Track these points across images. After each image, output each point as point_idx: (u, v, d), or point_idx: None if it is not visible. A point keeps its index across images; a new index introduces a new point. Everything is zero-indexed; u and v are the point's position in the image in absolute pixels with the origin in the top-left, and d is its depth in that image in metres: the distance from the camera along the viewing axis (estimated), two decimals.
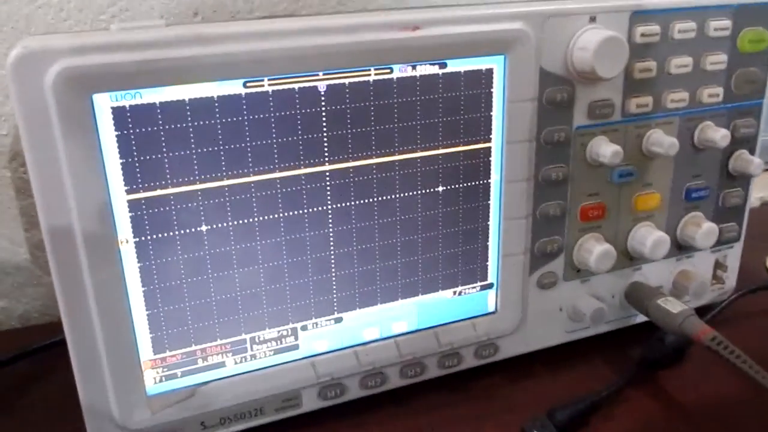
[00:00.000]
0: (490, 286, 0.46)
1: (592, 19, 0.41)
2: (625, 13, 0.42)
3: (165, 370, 0.39)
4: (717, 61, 0.45)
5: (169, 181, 0.36)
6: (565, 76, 0.42)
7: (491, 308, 0.46)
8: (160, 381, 0.39)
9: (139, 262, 0.36)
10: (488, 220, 0.44)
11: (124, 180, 0.35)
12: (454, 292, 0.45)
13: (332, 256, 0.41)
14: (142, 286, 0.37)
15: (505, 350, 0.47)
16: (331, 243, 0.40)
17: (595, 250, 0.45)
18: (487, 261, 0.45)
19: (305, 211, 0.39)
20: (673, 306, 0.46)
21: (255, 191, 0.38)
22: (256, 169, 0.37)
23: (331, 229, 0.40)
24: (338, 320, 0.42)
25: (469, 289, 0.45)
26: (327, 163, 0.39)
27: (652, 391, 0.46)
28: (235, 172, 0.37)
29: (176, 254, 0.37)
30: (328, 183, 0.39)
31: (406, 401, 0.45)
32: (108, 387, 0.37)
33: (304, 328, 0.42)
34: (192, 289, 0.38)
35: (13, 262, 0.56)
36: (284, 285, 0.40)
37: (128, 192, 0.35)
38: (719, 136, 0.46)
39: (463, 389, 0.46)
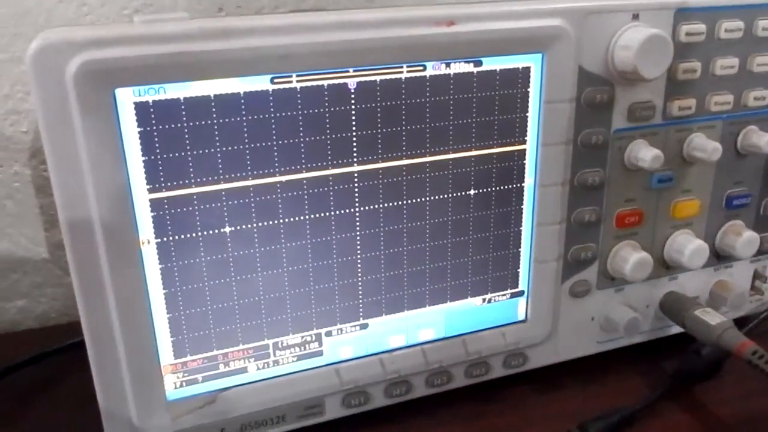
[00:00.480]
0: (521, 293, 0.44)
1: (635, 17, 0.39)
2: (670, 11, 0.40)
3: (186, 374, 0.38)
4: (765, 62, 0.43)
5: (193, 181, 0.34)
6: (604, 77, 0.40)
7: (521, 316, 0.45)
8: (181, 386, 0.38)
9: (160, 263, 0.35)
10: (521, 226, 0.42)
11: (146, 178, 0.34)
12: (484, 300, 0.43)
13: (359, 260, 0.39)
14: (164, 288, 0.35)
15: (534, 360, 0.45)
16: (358, 247, 0.39)
17: (631, 258, 0.43)
18: (518, 268, 0.43)
19: (332, 213, 0.38)
20: (712, 317, 0.44)
21: (281, 192, 0.36)
22: (282, 169, 0.36)
23: (358, 233, 0.39)
24: (364, 326, 0.41)
25: (498, 296, 0.44)
26: (356, 164, 0.37)
27: (687, 405, 0.45)
28: (260, 171, 0.35)
29: (199, 256, 0.36)
30: (356, 184, 0.38)
31: (431, 411, 0.44)
32: (127, 391, 0.36)
33: (328, 333, 0.40)
34: (214, 292, 0.37)
35: (32, 261, 0.55)
36: (309, 289, 0.39)
37: (150, 191, 0.34)
38: (764, 141, 0.44)
39: (491, 400, 0.45)
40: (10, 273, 0.55)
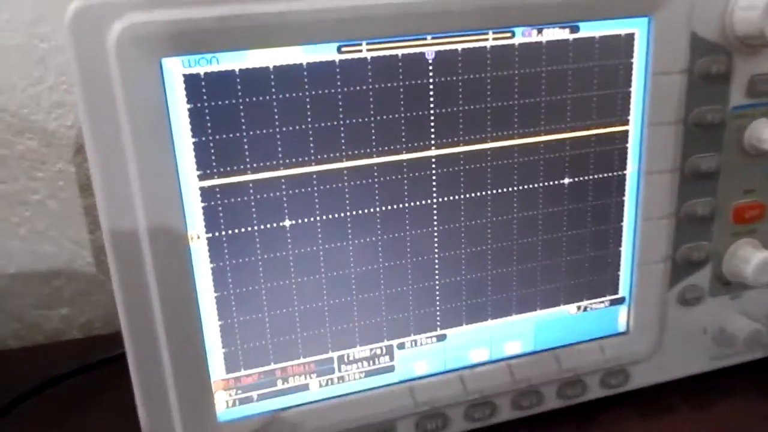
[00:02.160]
0: (622, 300, 0.38)
1: None
2: None
3: (239, 392, 0.33)
4: None
5: (249, 166, 0.30)
6: (721, 44, 0.35)
7: (622, 328, 0.39)
8: (234, 405, 0.33)
9: (211, 261, 0.31)
10: (622, 221, 0.37)
11: (196, 163, 0.29)
12: (579, 308, 0.38)
13: (436, 260, 0.34)
14: (215, 291, 0.31)
15: (637, 379, 0.39)
16: (436, 244, 0.34)
17: (754, 258, 0.37)
18: (618, 270, 0.38)
19: (406, 204, 0.33)
20: None
21: (348, 180, 0.31)
22: (350, 152, 0.31)
23: (435, 228, 0.34)
24: (441, 338, 0.36)
25: (596, 303, 0.38)
26: (433, 147, 0.32)
27: None
28: (325, 156, 0.31)
29: (255, 254, 0.31)
30: (434, 171, 0.33)
31: None
32: (173, 410, 0.31)
33: (401, 346, 0.35)
34: (272, 296, 0.32)
35: (75, 266, 0.52)
36: (379, 294, 0.34)
37: (201, 177, 0.29)
38: None
39: (587, 425, 0.39)
40: (52, 279, 0.52)
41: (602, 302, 0.38)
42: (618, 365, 0.38)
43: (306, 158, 0.31)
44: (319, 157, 0.31)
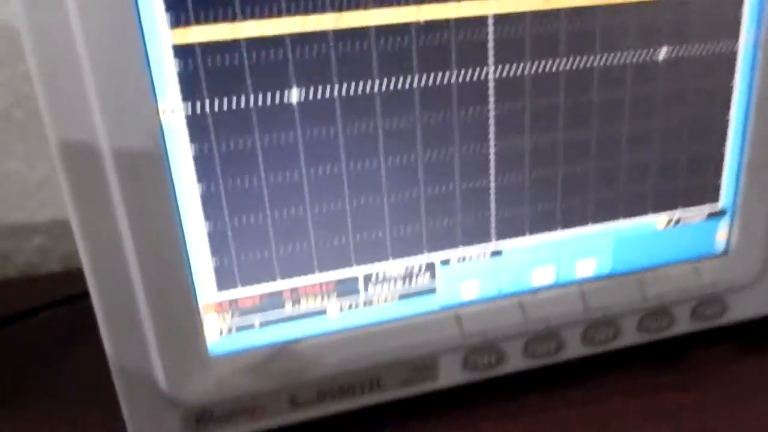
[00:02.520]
0: (722, 213, 0.30)
1: None
2: None
3: (236, 316, 0.26)
4: None
5: (239, 12, 0.22)
6: None
7: (721, 247, 0.31)
8: (228, 333, 0.26)
9: (192, 144, 0.23)
10: (729, 111, 0.29)
11: (166, 10, 0.21)
12: (669, 221, 0.30)
13: (491, 150, 0.26)
14: (199, 183, 0.24)
15: (736, 310, 0.32)
16: (491, 129, 0.26)
17: None
18: (720, 175, 0.30)
19: (453, 75, 0.25)
20: None
21: (376, 39, 0.23)
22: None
23: (491, 106, 0.26)
24: (496, 253, 0.28)
25: (690, 216, 0.30)
26: None
27: None
28: (345, 2, 0.23)
29: (251, 135, 0.23)
30: (490, 30, 0.25)
31: (585, 379, 0.31)
32: (150, 343, 0.24)
33: (445, 262, 0.28)
34: (276, 193, 0.24)
35: (49, 186, 0.45)
36: (416, 193, 0.26)
37: (174, 26, 0.22)
38: None
39: (672, 364, 0.32)
40: (23, 202, 0.45)
41: (698, 214, 0.30)
42: (714, 293, 0.31)
43: (319, 6, 0.23)
44: (336, 5, 0.23)
